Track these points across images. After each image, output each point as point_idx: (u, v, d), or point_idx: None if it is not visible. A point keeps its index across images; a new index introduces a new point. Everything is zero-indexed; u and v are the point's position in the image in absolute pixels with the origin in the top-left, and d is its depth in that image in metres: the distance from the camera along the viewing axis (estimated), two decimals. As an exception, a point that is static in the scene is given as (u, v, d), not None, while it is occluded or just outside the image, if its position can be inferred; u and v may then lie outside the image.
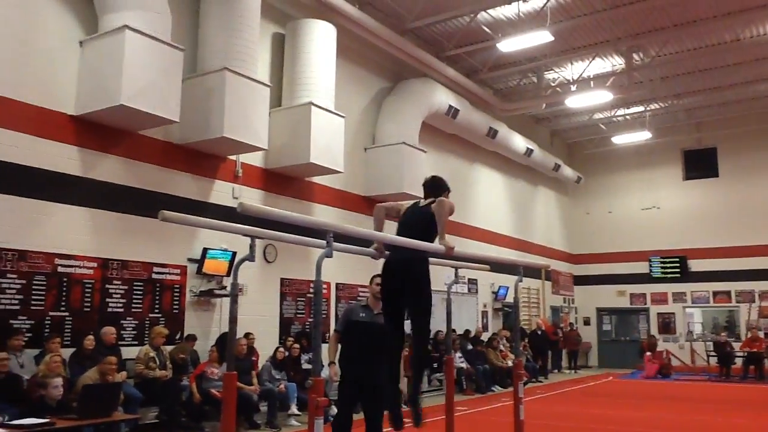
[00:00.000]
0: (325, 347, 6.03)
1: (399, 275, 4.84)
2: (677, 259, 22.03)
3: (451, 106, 14.83)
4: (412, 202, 5.11)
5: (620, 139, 21.56)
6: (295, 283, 11.53)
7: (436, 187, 5.03)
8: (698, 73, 17.41)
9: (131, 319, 8.93)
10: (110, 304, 8.69)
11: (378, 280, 5.88)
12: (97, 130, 8.63)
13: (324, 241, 3.44)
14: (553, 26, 13.44)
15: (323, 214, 12.08)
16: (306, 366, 10.51)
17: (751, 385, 16.56)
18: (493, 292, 18.22)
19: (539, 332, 18.53)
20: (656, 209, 22.66)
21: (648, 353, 19.51)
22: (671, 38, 15.09)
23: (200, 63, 9.77)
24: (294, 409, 9.63)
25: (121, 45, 8.11)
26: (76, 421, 5.25)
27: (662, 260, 22.31)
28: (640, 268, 22.57)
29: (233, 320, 3.56)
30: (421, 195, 5.11)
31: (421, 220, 4.81)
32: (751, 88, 18.44)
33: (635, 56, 16.12)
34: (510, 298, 18.28)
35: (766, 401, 13.37)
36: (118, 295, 8.79)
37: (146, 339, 8.92)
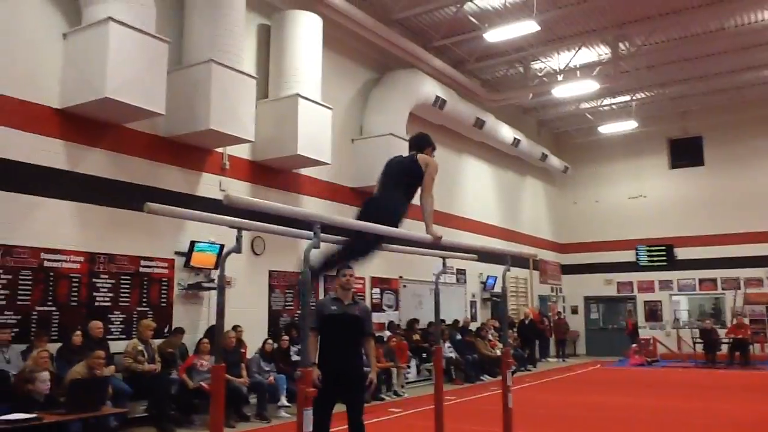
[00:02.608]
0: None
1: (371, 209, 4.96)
2: (663, 248, 22.20)
3: (438, 97, 14.83)
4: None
5: (607, 129, 21.67)
6: (283, 275, 11.53)
7: (420, 140, 5.26)
8: (684, 62, 17.49)
9: (119, 313, 8.90)
10: (98, 298, 8.65)
11: (345, 271, 5.90)
12: (83, 124, 8.57)
13: (311, 233, 3.44)
14: (539, 16, 13.45)
15: (311, 206, 12.06)
16: (295, 358, 10.50)
17: (736, 371, 16.76)
18: (481, 282, 18.29)
19: (527, 321, 18.63)
20: (643, 198, 22.81)
21: (634, 345, 19.72)
22: (657, 27, 15.14)
23: (186, 55, 9.70)
24: (284, 401, 9.64)
25: (105, 37, 8.04)
26: (65, 415, 5.23)
27: (649, 249, 22.47)
28: (627, 256, 22.73)
29: (221, 313, 3.55)
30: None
31: (403, 169, 5.00)
32: (736, 77, 18.55)
33: (621, 46, 16.17)
34: (498, 288, 18.37)
35: (751, 386, 13.52)
36: (106, 289, 8.75)
37: (134, 333, 8.89)
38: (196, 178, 10.18)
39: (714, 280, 21.55)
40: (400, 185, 4.84)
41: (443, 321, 13.68)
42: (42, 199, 8.13)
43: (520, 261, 19.30)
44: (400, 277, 14.69)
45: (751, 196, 20.64)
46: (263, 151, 11.03)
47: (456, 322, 15.72)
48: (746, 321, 19.00)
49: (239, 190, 10.68)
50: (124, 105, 8.19)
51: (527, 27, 13.57)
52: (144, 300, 9.24)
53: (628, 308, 22.58)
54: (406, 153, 5.24)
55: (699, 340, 18.66)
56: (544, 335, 19.94)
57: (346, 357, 5.75)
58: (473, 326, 16.53)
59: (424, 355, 13.88)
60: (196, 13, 9.70)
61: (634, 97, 20.45)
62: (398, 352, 12.44)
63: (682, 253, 21.91)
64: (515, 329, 17.91)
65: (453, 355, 14.05)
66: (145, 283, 9.26)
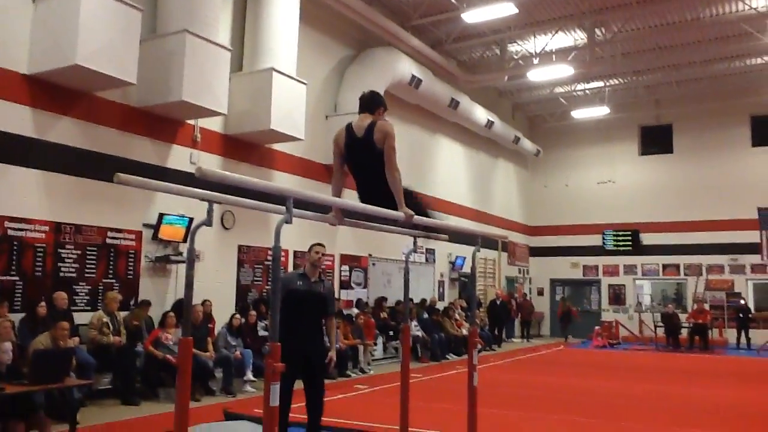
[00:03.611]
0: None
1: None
2: (629, 233, 22.57)
3: (414, 76, 14.78)
4: (344, 130, 4.62)
5: (579, 114, 21.84)
6: (252, 250, 11.48)
7: (371, 101, 4.64)
8: (658, 51, 17.66)
9: (84, 284, 8.79)
10: (63, 269, 8.52)
11: (317, 248, 5.90)
12: (52, 91, 8.38)
13: (284, 207, 3.42)
14: (517, -2, 13.44)
15: (283, 182, 11.99)
16: (262, 333, 10.52)
17: (696, 354, 17.18)
18: (450, 262, 18.41)
19: (498, 302, 18.83)
20: (612, 183, 23.11)
21: (597, 327, 20.13)
22: (634, 15, 15.23)
23: (160, 24, 9.52)
24: (249, 376, 9.64)
25: (77, 3, 7.86)
26: (27, 386, 5.17)
27: (615, 233, 22.83)
28: (594, 240, 23.09)
29: (189, 285, 3.53)
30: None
31: (372, 158, 4.43)
32: (709, 67, 18.80)
33: (597, 32, 16.26)
34: (467, 269, 18.52)
35: (709, 370, 13.87)
36: (71, 260, 8.63)
37: (100, 305, 8.80)
38: (166, 150, 10.05)
39: (677, 266, 21.99)
40: (381, 173, 4.57)
41: (411, 300, 13.77)
42: (7, 166, 7.95)
43: (490, 242, 19.46)
44: (370, 255, 14.72)
45: (717, 185, 21.02)
46: (236, 124, 10.91)
47: (423, 301, 15.84)
48: (707, 307, 19.45)
49: (210, 163, 10.57)
50: (94, 73, 8.03)
51: (505, 9, 13.57)
52: (110, 272, 9.13)
53: (561, 296, 23.10)
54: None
55: (660, 324, 19.06)
56: (510, 316, 20.21)
57: (307, 334, 5.77)
58: (440, 305, 16.67)
59: (391, 333, 13.98)
60: (171, -19, 9.50)
61: (607, 84, 20.62)
62: (366, 329, 12.51)
63: (647, 239, 22.30)
64: (484, 309, 18.10)
65: (420, 333, 14.17)
66: (111, 254, 9.15)
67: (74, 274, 8.66)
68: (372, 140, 4.40)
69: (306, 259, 6.05)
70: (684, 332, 18.73)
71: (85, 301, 8.77)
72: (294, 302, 5.64)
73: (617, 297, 22.89)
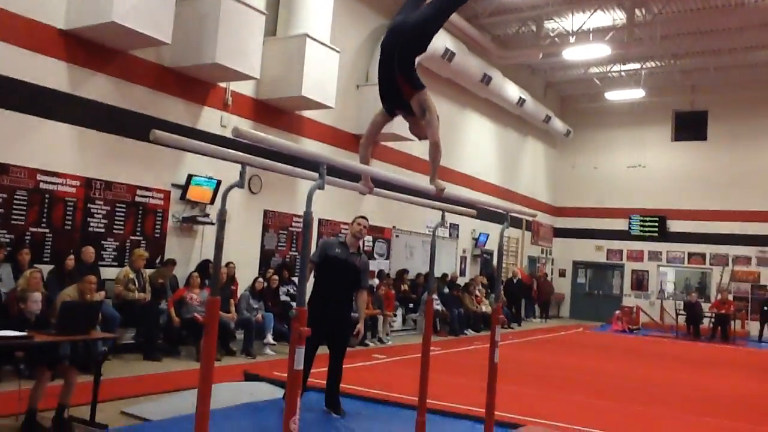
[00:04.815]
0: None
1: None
2: (656, 219, 22.32)
3: (447, 49, 14.63)
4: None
5: (613, 95, 21.51)
6: (278, 215, 11.54)
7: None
8: (699, 35, 17.25)
9: (112, 240, 8.91)
10: (92, 224, 8.65)
11: (360, 220, 5.91)
12: (87, 47, 8.42)
13: (316, 174, 3.41)
14: (557, -26, 13.20)
15: (312, 149, 11.98)
16: (284, 298, 10.62)
17: (717, 344, 17.04)
18: (473, 239, 18.38)
19: (515, 281, 18.79)
20: (642, 168, 22.80)
21: (617, 311, 20.00)
22: (675, -4, 14.88)
23: (195, -16, 9.50)
24: (270, 339, 9.77)
25: (115, -41, 7.85)
26: (55, 336, 5.27)
27: (642, 219, 22.58)
28: (620, 224, 22.88)
29: (219, 247, 3.54)
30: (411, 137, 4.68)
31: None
32: (750, 55, 18.35)
33: (637, 12, 15.92)
34: (489, 246, 18.48)
35: (730, 361, 13.75)
36: (100, 216, 8.74)
37: (126, 261, 8.93)
38: (197, 111, 10.08)
39: (703, 255, 21.75)
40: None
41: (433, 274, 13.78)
42: (42, 120, 8.03)
43: (514, 221, 19.36)
44: (394, 227, 14.73)
45: (749, 175, 20.66)
46: (267, 89, 10.91)
47: (445, 275, 15.84)
48: (731, 297, 19.24)
49: (241, 126, 10.58)
50: (130, 31, 8.05)
51: (544, -16, 13.32)
52: (138, 229, 9.24)
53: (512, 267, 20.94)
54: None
55: (682, 313, 18.91)
56: (531, 295, 20.18)
57: (338, 302, 5.83)
58: (461, 281, 16.67)
59: (411, 305, 14.04)
60: (209, -58, 9.45)
61: (644, 66, 20.23)
62: (386, 300, 12.57)
63: (674, 226, 22.04)
64: (503, 287, 18.07)
65: (440, 307, 14.20)
66: (140, 212, 9.25)
67: (103, 230, 8.78)
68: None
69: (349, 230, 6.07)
70: (706, 322, 18.58)
71: (112, 256, 8.91)
72: (330, 269, 5.70)
73: (640, 283, 22.72)
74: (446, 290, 15.21)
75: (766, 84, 20.21)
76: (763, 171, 20.54)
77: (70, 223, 8.38)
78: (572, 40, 17.07)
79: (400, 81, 3.92)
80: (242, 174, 3.48)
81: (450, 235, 17.26)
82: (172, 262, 9.43)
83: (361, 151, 4.42)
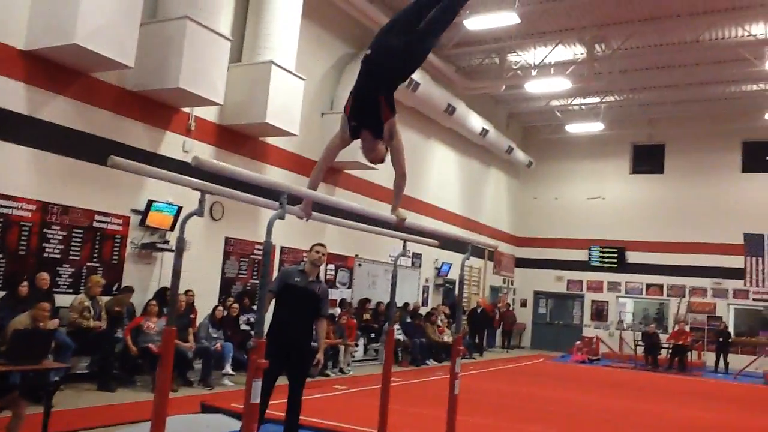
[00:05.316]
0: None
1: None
2: (615, 250, 22.65)
3: (412, 79, 14.74)
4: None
5: (574, 128, 21.90)
6: (239, 242, 11.41)
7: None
8: (656, 70, 17.75)
9: (68, 266, 8.70)
10: (47, 249, 8.43)
11: (318, 248, 5.87)
12: (48, 68, 8.28)
13: (277, 203, 3.39)
14: (521, 8, 13.47)
15: (275, 176, 11.93)
16: (244, 327, 10.47)
17: (674, 375, 17.24)
18: (436, 268, 18.41)
19: (479, 311, 18.84)
20: (601, 199, 23.18)
21: (577, 342, 20.20)
22: (635, 32, 15.29)
23: (161, 9, 9.45)
24: (228, 369, 9.58)
25: (79, -19, 7.77)
26: (5, 366, 5.10)
27: (601, 249, 22.90)
28: (580, 255, 23.16)
29: (177, 275, 3.48)
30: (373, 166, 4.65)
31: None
32: (704, 90, 18.92)
33: (597, 47, 16.30)
34: (452, 276, 18.52)
35: (687, 391, 13.91)
36: (56, 241, 8.53)
37: (82, 288, 8.71)
38: (159, 135, 9.97)
39: (661, 286, 22.10)
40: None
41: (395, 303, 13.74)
42: (-2, 142, 7.85)
43: (476, 251, 19.47)
44: (357, 255, 14.68)
45: (704, 207, 21.15)
46: (231, 115, 10.85)
47: (406, 305, 15.81)
48: (687, 328, 19.56)
49: (203, 152, 10.50)
50: (92, 53, 7.95)
51: (508, 18, 13.58)
52: (95, 255, 9.04)
53: (475, 297, 22.12)
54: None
55: (641, 343, 19.15)
56: (493, 325, 20.23)
57: (298, 331, 5.75)
58: (423, 310, 16.65)
59: (373, 335, 13.95)
60: (176, -33, 9.43)
61: (603, 99, 20.68)
62: (347, 330, 12.46)
63: (633, 257, 22.40)
64: (465, 317, 18.09)
65: (401, 337, 14.14)
66: (97, 238, 9.06)
67: (59, 256, 8.57)
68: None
69: (305, 257, 5.99)
70: (663, 352, 18.82)
71: (68, 283, 8.68)
72: (289, 297, 5.62)
73: (599, 313, 22.98)
74: (408, 319, 15.16)
75: (720, 118, 20.80)
76: (718, 204, 21.05)
77: (24, 247, 8.15)
78: (534, 73, 17.39)
79: (382, 102, 3.93)
80: (202, 202, 3.43)
81: (413, 264, 17.26)
82: (130, 290, 9.23)
83: (314, 174, 4.25)
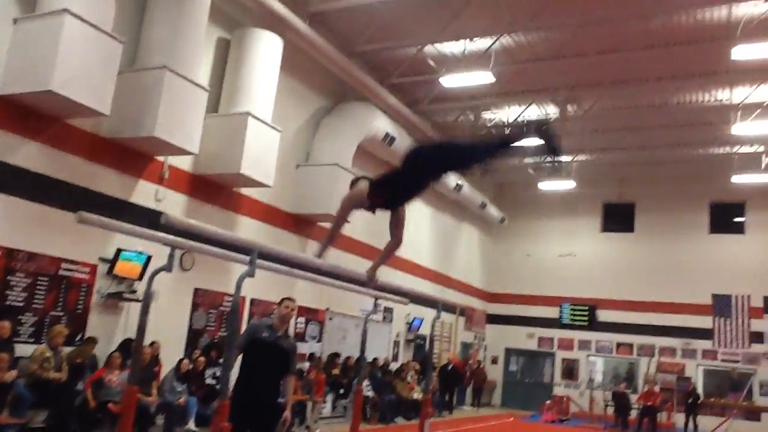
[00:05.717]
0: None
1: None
2: (587, 308, 22.71)
3: (388, 134, 14.87)
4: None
5: (546, 186, 22.13)
6: (209, 294, 11.23)
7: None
8: (626, 131, 18.14)
9: (31, 315, 8.45)
10: (10, 297, 8.20)
11: (288, 303, 5.80)
12: (21, 113, 8.20)
13: (247, 258, 3.34)
14: (496, 68, 13.72)
15: (248, 227, 11.86)
16: (210, 381, 10.21)
17: (644, 437, 17.12)
18: (407, 323, 18.26)
19: (450, 368, 18.65)
20: (572, 257, 23.31)
21: (548, 401, 20.03)
22: (606, 94, 15.68)
23: (140, 58, 9.47)
24: (191, 425, 9.31)
25: (59, 28, 7.77)
26: (-44, 419, 4.89)
27: (572, 307, 22.95)
28: (551, 312, 23.16)
29: (142, 330, 3.39)
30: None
31: None
32: (673, 152, 19.32)
33: (569, 107, 16.66)
34: (423, 331, 18.38)
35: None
36: (20, 288, 8.31)
37: (44, 337, 8.45)
38: (132, 183, 9.86)
39: (631, 345, 22.11)
40: None
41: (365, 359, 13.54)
42: (-36, 186, 7.71)
43: (448, 306, 19.37)
44: (328, 309, 14.52)
45: (674, 267, 21.34)
46: (205, 165, 10.81)
47: (375, 359, 15.59)
48: (657, 389, 19.51)
49: (176, 201, 10.41)
50: (68, 101, 7.90)
51: (483, 77, 13.84)
52: (59, 304, 8.81)
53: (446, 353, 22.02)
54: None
55: (611, 403, 19.04)
56: (463, 382, 20.01)
57: (265, 387, 5.62)
58: (393, 366, 16.43)
59: (342, 390, 13.68)
60: (157, 17, 9.50)
61: (575, 158, 20.98)
62: (315, 385, 12.21)
63: (603, 316, 22.46)
64: (435, 374, 17.88)
65: (370, 393, 13.90)
66: (63, 286, 8.84)
67: (21, 304, 8.34)
68: None
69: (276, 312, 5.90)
70: (633, 413, 18.71)
71: (29, 332, 8.42)
72: (257, 352, 5.51)
73: (570, 371, 22.87)
74: (379, 375, 14.94)
75: (689, 179, 21.17)
76: (686, 264, 21.27)
77: (-15, 295, 7.93)
78: (508, 131, 17.66)
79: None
80: (171, 257, 3.36)
81: (384, 318, 17.10)
82: (93, 341, 8.98)
83: (333, 232, 4.86)
